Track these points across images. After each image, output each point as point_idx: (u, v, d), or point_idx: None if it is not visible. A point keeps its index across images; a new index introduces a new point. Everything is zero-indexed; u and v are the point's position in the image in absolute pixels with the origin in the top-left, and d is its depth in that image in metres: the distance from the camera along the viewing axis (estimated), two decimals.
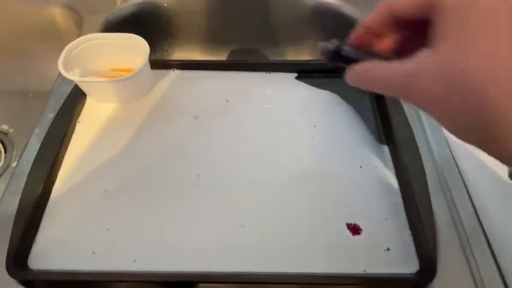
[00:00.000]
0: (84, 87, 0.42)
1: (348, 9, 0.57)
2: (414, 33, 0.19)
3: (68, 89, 0.43)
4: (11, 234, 0.32)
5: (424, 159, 0.38)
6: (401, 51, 0.18)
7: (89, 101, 0.44)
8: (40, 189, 0.35)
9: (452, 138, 0.41)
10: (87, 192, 0.36)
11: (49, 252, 0.33)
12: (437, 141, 0.41)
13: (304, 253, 0.33)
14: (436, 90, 0.16)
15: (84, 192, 0.36)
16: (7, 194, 0.36)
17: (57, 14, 0.59)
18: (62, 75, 0.39)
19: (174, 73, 0.47)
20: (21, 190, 0.35)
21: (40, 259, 0.32)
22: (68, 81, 0.41)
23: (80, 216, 0.35)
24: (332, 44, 0.22)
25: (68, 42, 0.42)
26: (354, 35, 0.21)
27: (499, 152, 0.16)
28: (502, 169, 0.38)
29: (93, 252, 0.32)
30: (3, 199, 0.36)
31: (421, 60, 0.16)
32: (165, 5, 0.58)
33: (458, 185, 0.37)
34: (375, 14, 0.20)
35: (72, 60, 0.42)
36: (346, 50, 0.22)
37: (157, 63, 0.47)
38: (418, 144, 0.39)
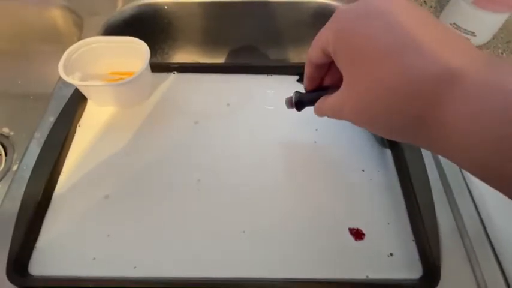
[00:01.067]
0: (84, 91, 0.42)
1: None
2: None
3: (68, 93, 0.43)
4: (11, 240, 0.32)
5: (427, 162, 0.37)
6: (340, 80, 0.23)
7: (89, 105, 0.44)
8: (41, 194, 0.35)
9: None
10: (88, 198, 0.36)
11: (49, 258, 0.32)
12: None
13: (306, 258, 0.32)
14: (351, 110, 0.22)
15: (84, 198, 0.36)
16: (7, 198, 0.36)
17: (58, 17, 0.59)
18: (63, 79, 0.39)
19: (175, 76, 0.47)
20: (21, 195, 0.35)
21: (40, 265, 0.32)
22: (69, 84, 0.40)
23: (80, 221, 0.35)
24: (294, 96, 0.30)
25: (69, 45, 0.42)
26: (305, 84, 0.29)
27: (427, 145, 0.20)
28: None
29: (94, 258, 0.32)
30: (4, 204, 0.36)
31: (339, 95, 0.23)
32: (166, 7, 0.58)
33: (462, 189, 0.37)
34: (307, 67, 0.27)
35: (72, 63, 0.41)
36: (304, 96, 0.30)
37: (158, 67, 0.46)
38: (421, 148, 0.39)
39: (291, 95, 0.30)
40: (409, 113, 0.19)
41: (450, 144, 0.18)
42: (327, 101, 0.25)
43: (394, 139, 0.22)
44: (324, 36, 0.23)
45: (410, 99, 0.18)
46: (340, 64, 0.22)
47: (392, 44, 0.19)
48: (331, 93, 0.24)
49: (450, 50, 0.18)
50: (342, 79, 0.22)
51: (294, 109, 0.31)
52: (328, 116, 0.26)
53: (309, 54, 0.26)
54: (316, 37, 0.24)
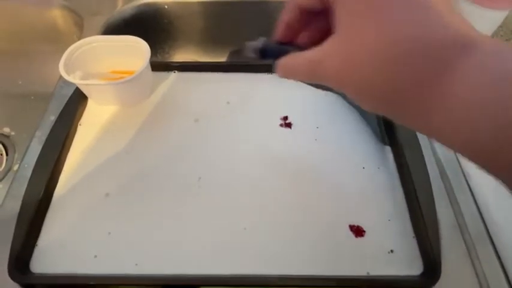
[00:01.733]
0: (85, 90, 0.42)
1: None
2: (327, 23, 0.21)
3: (69, 92, 0.43)
4: (13, 238, 0.32)
5: (427, 160, 0.37)
6: (319, 42, 0.20)
7: (90, 104, 0.44)
8: (42, 193, 0.35)
9: None
10: (89, 196, 0.36)
11: (51, 256, 0.33)
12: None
13: (307, 255, 0.32)
14: (336, 67, 0.18)
15: (85, 196, 0.36)
16: (9, 197, 0.36)
17: (58, 16, 0.59)
18: (63, 78, 0.39)
19: (175, 75, 0.47)
20: (22, 194, 0.35)
21: (42, 263, 0.32)
22: (69, 83, 0.40)
23: (81, 219, 0.35)
24: (259, 42, 0.24)
25: (69, 45, 0.42)
26: (277, 32, 0.23)
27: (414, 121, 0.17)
28: None
29: (95, 256, 0.32)
30: (5, 202, 0.36)
31: (323, 48, 0.19)
32: (166, 7, 0.58)
33: (462, 186, 0.37)
34: (287, 11, 0.22)
35: (73, 63, 0.41)
36: (273, 46, 0.24)
37: (158, 65, 0.46)
38: (421, 144, 0.39)
39: (255, 41, 0.25)
40: (410, 76, 0.16)
41: (451, 118, 0.15)
42: (301, 54, 0.20)
43: (376, 110, 0.18)
44: None
45: (415, 60, 0.16)
46: (339, 11, 0.18)
47: None
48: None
49: (460, 21, 0.16)
50: (322, 40, 0.19)
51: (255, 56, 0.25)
52: (295, 77, 0.22)
53: None
54: None
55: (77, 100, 0.43)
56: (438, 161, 0.39)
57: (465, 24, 0.16)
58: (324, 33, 0.21)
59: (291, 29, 0.23)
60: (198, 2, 0.58)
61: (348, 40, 0.18)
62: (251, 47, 0.25)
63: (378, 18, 0.17)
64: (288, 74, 0.22)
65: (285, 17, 0.22)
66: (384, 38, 0.16)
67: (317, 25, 0.23)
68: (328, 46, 0.19)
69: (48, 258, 0.32)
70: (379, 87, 0.17)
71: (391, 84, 0.17)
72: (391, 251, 0.33)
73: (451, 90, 0.15)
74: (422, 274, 0.31)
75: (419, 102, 0.16)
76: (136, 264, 0.32)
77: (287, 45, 0.23)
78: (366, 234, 0.34)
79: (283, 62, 0.22)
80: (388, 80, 0.17)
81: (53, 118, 0.42)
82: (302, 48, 0.21)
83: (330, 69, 0.18)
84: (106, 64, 0.45)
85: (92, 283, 0.31)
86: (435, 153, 0.39)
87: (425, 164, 0.37)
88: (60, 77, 0.43)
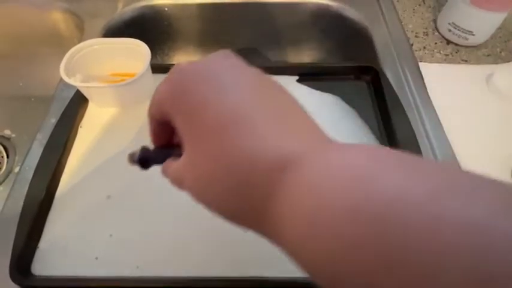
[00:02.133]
0: (86, 93, 0.42)
1: (348, 12, 0.57)
2: None
3: (70, 94, 0.43)
4: (14, 240, 0.32)
5: None
6: None
7: (90, 106, 0.44)
8: (43, 195, 0.35)
9: (455, 141, 0.41)
10: (90, 198, 0.36)
11: (52, 258, 0.33)
12: (440, 143, 0.40)
13: None
14: (190, 185, 0.19)
15: (86, 198, 0.36)
16: (10, 199, 0.36)
17: (59, 19, 0.59)
18: (64, 80, 0.39)
19: None
20: (24, 196, 0.35)
21: (43, 265, 0.32)
22: (70, 86, 0.41)
23: (82, 221, 0.35)
24: (138, 153, 0.23)
25: (70, 47, 0.42)
26: (152, 140, 0.23)
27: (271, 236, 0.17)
28: (505, 171, 0.38)
29: (96, 258, 0.32)
30: (6, 205, 0.36)
31: (182, 162, 0.19)
32: (166, 9, 0.59)
33: None
34: (149, 122, 0.22)
35: (73, 65, 0.42)
36: (152, 153, 0.23)
37: (159, 68, 0.46)
38: (420, 145, 0.39)
39: (136, 150, 0.24)
40: (242, 201, 0.16)
41: (285, 243, 0.15)
42: (171, 166, 0.21)
43: (243, 227, 0.18)
44: (163, 91, 0.19)
45: (241, 186, 0.16)
46: (178, 128, 0.19)
47: (225, 116, 0.16)
48: (179, 155, 0.20)
49: (287, 131, 0.16)
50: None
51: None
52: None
53: (149, 108, 0.21)
54: (156, 89, 0.20)
55: (78, 102, 0.43)
56: (437, 162, 0.39)
57: (297, 128, 0.17)
58: None
59: (162, 134, 0.23)
60: (198, 5, 0.59)
61: (191, 164, 0.18)
62: (131, 158, 0.24)
63: (206, 148, 0.17)
64: (168, 178, 0.22)
65: (150, 126, 0.22)
66: (215, 169, 0.17)
67: None
68: (182, 163, 0.19)
69: (49, 261, 0.33)
70: (224, 211, 0.18)
71: (230, 211, 0.17)
72: None
73: (278, 212, 0.15)
74: None
75: (259, 225, 0.17)
76: (137, 267, 0.32)
77: (167, 149, 0.23)
78: None
79: (164, 168, 0.22)
80: (227, 208, 0.17)
81: (53, 120, 0.42)
82: (176, 152, 0.22)
83: (188, 185, 0.19)
84: (106, 66, 0.45)
85: (93, 285, 0.31)
86: (435, 155, 0.40)
87: None
88: (61, 79, 0.43)
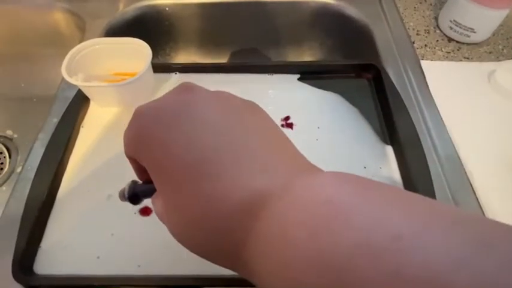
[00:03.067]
0: (87, 92, 0.43)
1: (349, 10, 0.57)
2: None
3: (71, 94, 0.44)
4: (17, 239, 0.32)
5: (428, 159, 0.37)
6: None
7: (92, 106, 0.44)
8: (45, 194, 0.35)
9: (458, 139, 0.40)
10: (92, 197, 0.36)
11: (54, 257, 0.33)
12: (442, 142, 0.40)
13: None
14: (168, 226, 0.18)
15: (88, 197, 0.36)
16: (12, 199, 0.36)
17: (60, 19, 0.60)
18: (66, 80, 0.39)
19: (177, 76, 0.47)
20: (26, 195, 0.35)
21: (45, 264, 0.32)
22: (72, 86, 0.41)
23: (84, 221, 0.35)
24: (129, 189, 0.23)
25: (71, 47, 0.42)
26: (137, 174, 0.23)
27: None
28: (508, 170, 0.38)
29: (98, 257, 0.32)
30: (9, 204, 0.36)
31: (159, 206, 0.19)
32: (167, 9, 0.59)
33: (463, 186, 0.37)
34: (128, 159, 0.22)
35: (75, 65, 0.42)
36: (141, 188, 0.23)
37: (160, 67, 0.47)
38: (423, 144, 0.39)
39: (125, 186, 0.24)
40: (217, 246, 0.16)
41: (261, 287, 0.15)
42: (156, 201, 0.20)
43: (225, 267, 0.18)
44: (127, 137, 0.19)
45: (213, 233, 0.16)
46: (148, 171, 0.18)
47: (186, 162, 0.16)
48: None
49: (255, 169, 0.16)
50: None
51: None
52: None
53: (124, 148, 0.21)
54: (124, 133, 0.20)
55: (79, 102, 0.43)
56: (440, 160, 0.39)
57: (270, 163, 0.16)
58: None
59: (145, 171, 0.21)
60: (199, 4, 0.59)
61: (166, 212, 0.18)
62: (120, 194, 0.24)
63: (176, 197, 0.17)
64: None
65: (132, 165, 0.22)
66: (185, 217, 0.16)
67: None
68: (159, 209, 0.19)
69: (51, 260, 0.33)
70: (204, 255, 0.17)
71: (208, 255, 0.17)
72: None
73: (252, 258, 0.15)
74: None
75: (237, 269, 0.16)
76: (139, 266, 0.32)
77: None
78: None
79: (152, 202, 0.22)
80: (205, 252, 0.17)
81: (55, 120, 0.42)
82: None
83: (168, 226, 0.18)
84: (108, 66, 0.45)
85: (95, 284, 0.31)
86: (437, 153, 0.39)
87: (427, 163, 0.37)
88: (63, 79, 0.43)
